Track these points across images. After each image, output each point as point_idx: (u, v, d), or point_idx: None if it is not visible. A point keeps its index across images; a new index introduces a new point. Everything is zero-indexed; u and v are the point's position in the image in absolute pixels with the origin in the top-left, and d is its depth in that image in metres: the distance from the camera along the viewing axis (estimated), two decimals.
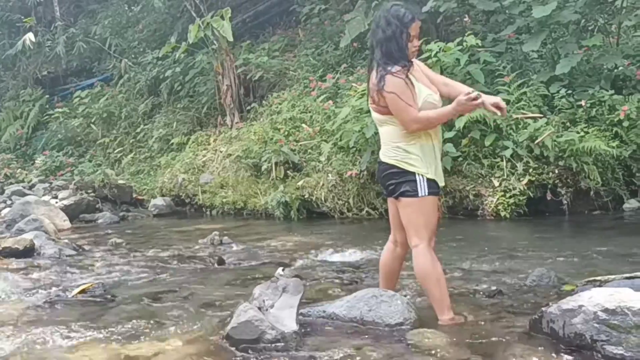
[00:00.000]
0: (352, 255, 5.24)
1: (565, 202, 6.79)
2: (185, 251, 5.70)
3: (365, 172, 7.67)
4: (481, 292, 3.64)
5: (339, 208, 7.89)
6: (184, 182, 10.20)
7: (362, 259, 5.04)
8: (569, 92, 7.07)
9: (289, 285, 3.08)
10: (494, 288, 3.70)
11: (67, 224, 8.55)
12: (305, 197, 8.12)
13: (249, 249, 5.79)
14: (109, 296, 3.93)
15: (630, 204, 6.83)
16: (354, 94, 8.58)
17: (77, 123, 14.28)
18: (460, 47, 7.30)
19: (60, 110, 14.73)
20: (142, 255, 5.50)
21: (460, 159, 7.20)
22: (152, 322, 3.37)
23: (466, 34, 7.34)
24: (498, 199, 6.82)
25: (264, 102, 10.75)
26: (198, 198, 9.84)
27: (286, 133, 9.10)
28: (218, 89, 11.53)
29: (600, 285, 3.62)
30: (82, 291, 4.01)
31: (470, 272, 4.29)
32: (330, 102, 9.07)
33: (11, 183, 13.31)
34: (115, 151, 13.38)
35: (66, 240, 6.47)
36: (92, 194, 10.66)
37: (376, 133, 7.45)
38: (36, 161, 14.02)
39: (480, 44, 7.25)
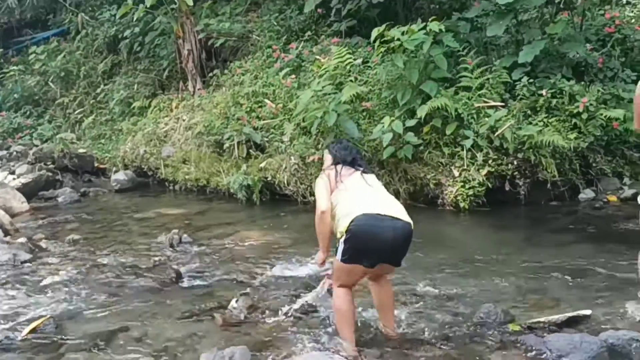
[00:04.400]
0: (312, 265, 5.24)
1: (522, 192, 6.89)
2: (143, 258, 5.64)
3: None
4: (428, 339, 3.69)
5: (302, 192, 7.87)
6: (146, 154, 10.02)
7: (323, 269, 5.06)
8: (531, 80, 7.02)
9: (235, 355, 3.10)
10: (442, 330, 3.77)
11: (25, 205, 8.39)
12: (268, 179, 8.06)
13: (208, 254, 5.76)
14: (59, 338, 3.90)
15: (585, 194, 6.96)
16: (317, 70, 8.42)
17: (33, 82, 13.81)
18: (424, 32, 7.12)
19: (15, 67, 14.18)
20: (99, 266, 5.42)
21: (422, 147, 7.18)
22: None
23: (430, 20, 7.14)
24: (457, 189, 6.87)
25: (226, 70, 10.45)
26: (160, 172, 9.71)
27: (248, 109, 8.92)
28: (179, 53, 11.17)
29: (544, 327, 3.75)
30: (33, 329, 3.98)
31: (423, 297, 4.36)
32: (293, 76, 8.88)
33: None
34: (76, 112, 13.03)
35: (22, 239, 6.35)
36: (52, 165, 10.45)
37: (339, 115, 7.41)
38: None
39: (443, 30, 7.07)
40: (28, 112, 13.74)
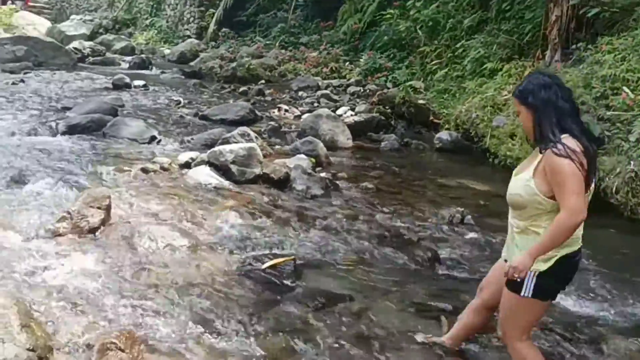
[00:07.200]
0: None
1: None
2: (414, 227, 5.36)
3: None
4: None
5: (632, 206, 6.46)
6: (477, 119, 9.56)
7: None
8: None
9: None
10: None
11: (349, 142, 8.89)
12: None
13: (481, 245, 5.18)
14: (290, 282, 3.96)
15: None
16: None
17: (404, 27, 14.36)
18: None
19: (393, 11, 14.94)
20: (368, 222, 5.35)
21: None
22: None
23: None
24: None
25: (590, 45, 9.08)
26: (485, 141, 9.16)
27: (598, 94, 7.61)
28: (546, 18, 10.17)
29: None
30: (274, 265, 4.13)
31: None
32: None
33: (334, 78, 14.36)
34: (432, 63, 13.18)
35: (324, 174, 6.72)
36: (389, 110, 10.82)
37: None
38: (361, 59, 14.74)
39: None
40: (391, 55, 14.47)
